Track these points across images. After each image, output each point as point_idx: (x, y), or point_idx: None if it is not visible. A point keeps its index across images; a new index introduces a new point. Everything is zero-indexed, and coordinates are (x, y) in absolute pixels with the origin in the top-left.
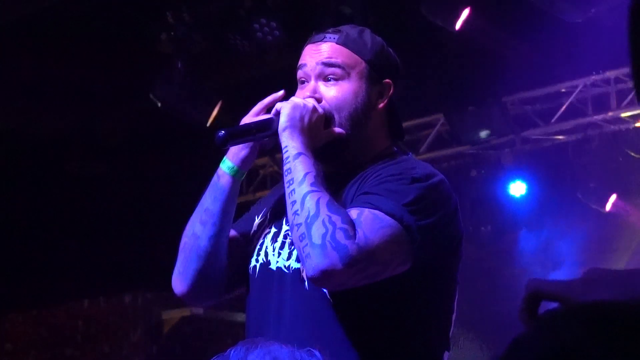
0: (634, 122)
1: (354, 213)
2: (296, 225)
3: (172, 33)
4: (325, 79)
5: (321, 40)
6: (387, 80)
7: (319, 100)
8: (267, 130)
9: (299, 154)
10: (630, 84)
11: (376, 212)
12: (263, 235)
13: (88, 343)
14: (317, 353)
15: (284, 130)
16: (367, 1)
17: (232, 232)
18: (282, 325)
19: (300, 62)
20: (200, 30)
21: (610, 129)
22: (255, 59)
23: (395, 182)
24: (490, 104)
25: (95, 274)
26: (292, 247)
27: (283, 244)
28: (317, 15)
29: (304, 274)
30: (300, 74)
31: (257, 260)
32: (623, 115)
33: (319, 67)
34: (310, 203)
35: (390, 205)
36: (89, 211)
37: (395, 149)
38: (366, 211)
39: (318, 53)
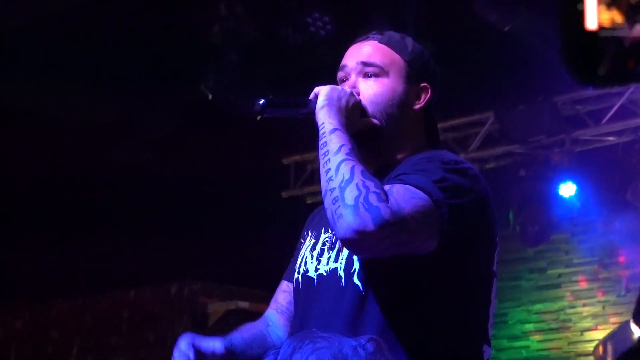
0: None
1: (386, 187)
2: (329, 190)
3: (224, 24)
4: (365, 75)
5: (364, 40)
6: (424, 83)
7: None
8: (305, 108)
9: (335, 129)
10: None
11: (407, 185)
12: (304, 249)
13: (133, 332)
14: (361, 352)
15: (321, 108)
16: None
17: (287, 286)
18: (319, 322)
19: (341, 63)
20: (252, 22)
21: None
22: (306, 52)
23: (425, 163)
24: (541, 103)
25: (142, 263)
26: (330, 252)
27: (322, 251)
28: (369, 11)
29: (341, 272)
30: (341, 74)
31: (298, 272)
32: None
33: (359, 66)
34: (344, 169)
35: (420, 180)
36: (136, 200)
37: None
38: (397, 185)
39: (359, 52)
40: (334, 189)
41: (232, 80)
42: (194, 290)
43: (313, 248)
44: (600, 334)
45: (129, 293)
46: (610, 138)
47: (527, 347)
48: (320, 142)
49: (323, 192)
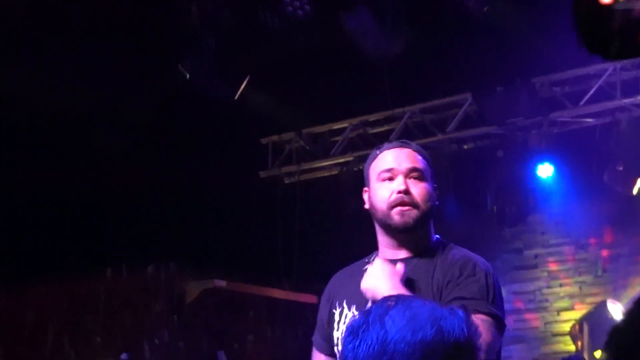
0: None
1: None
2: None
3: (202, 8)
4: (412, 177)
5: (401, 146)
6: (435, 184)
7: (408, 192)
8: None
9: None
10: None
11: (484, 317)
12: (342, 322)
13: (110, 314)
14: (460, 312)
15: None
16: None
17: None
18: None
19: (387, 166)
20: (230, 5)
21: (638, 112)
22: (284, 35)
23: (475, 284)
24: (518, 85)
25: (118, 244)
26: None
27: None
28: None
29: None
30: (386, 174)
31: (337, 345)
32: None
33: (407, 170)
34: None
35: (485, 307)
36: (112, 183)
37: (439, 238)
38: (479, 319)
39: (406, 158)
40: None
41: (210, 62)
42: (170, 270)
43: None
44: (576, 314)
45: (106, 274)
46: (588, 120)
47: None
48: None
49: None
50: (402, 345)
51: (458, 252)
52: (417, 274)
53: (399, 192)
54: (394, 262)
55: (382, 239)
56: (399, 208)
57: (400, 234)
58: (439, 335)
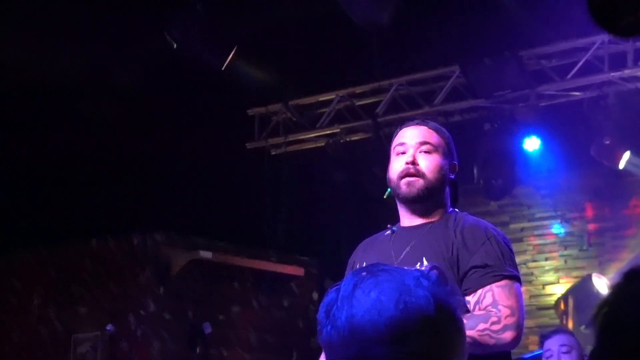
0: None
1: (489, 297)
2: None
3: None
4: (422, 151)
5: (416, 124)
6: (455, 161)
7: (414, 163)
8: None
9: None
10: None
11: (502, 282)
12: None
13: (95, 282)
14: (425, 282)
15: None
16: None
17: None
18: None
19: (400, 140)
20: None
21: (626, 87)
22: (272, 5)
23: (489, 250)
24: (506, 57)
25: (105, 213)
26: None
27: None
28: None
29: None
30: (400, 148)
31: None
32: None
33: (418, 144)
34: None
35: (504, 270)
36: (100, 151)
37: (454, 209)
38: (494, 287)
39: (417, 133)
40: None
41: (198, 30)
42: (156, 240)
43: None
44: (562, 288)
45: (92, 243)
46: (576, 93)
47: None
48: None
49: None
50: (369, 329)
51: (469, 218)
52: (427, 240)
53: (407, 163)
54: (406, 229)
55: (399, 207)
56: (406, 179)
57: (411, 204)
58: (405, 313)
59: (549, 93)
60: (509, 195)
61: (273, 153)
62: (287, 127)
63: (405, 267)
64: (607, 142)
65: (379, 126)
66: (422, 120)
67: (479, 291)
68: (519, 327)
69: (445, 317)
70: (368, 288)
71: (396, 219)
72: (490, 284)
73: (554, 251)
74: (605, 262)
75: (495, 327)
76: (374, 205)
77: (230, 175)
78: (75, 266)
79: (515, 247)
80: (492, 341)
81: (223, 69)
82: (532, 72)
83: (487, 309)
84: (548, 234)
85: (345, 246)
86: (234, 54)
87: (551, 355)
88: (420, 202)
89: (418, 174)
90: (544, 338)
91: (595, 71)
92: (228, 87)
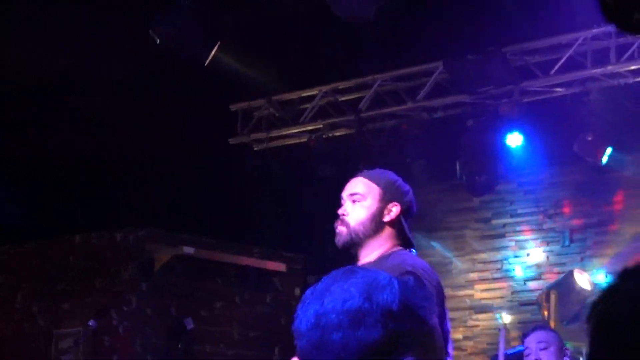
0: (634, 77)
1: None
2: None
3: None
4: (353, 201)
5: (356, 176)
6: (394, 202)
7: (344, 215)
8: None
9: None
10: (631, 39)
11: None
12: None
13: (79, 278)
14: (396, 282)
15: None
16: None
17: None
18: None
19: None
20: None
21: (609, 83)
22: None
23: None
24: (490, 53)
25: (89, 209)
26: None
27: None
28: None
29: None
30: (342, 198)
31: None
32: (622, 69)
33: (348, 196)
34: None
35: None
36: (84, 147)
37: (400, 249)
38: None
39: (349, 185)
40: None
41: (181, 26)
42: (140, 236)
43: None
44: (543, 284)
45: (75, 239)
46: (559, 89)
47: (470, 295)
48: None
49: None
50: (332, 316)
51: (398, 259)
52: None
53: (338, 215)
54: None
55: None
56: (337, 230)
57: (345, 250)
58: (367, 303)
59: (533, 89)
60: (491, 191)
61: (256, 148)
62: (270, 123)
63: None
64: (590, 139)
65: (363, 122)
66: (364, 170)
67: None
68: None
69: (407, 315)
70: (343, 283)
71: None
72: None
73: (536, 247)
74: (587, 258)
75: None
76: None
77: (214, 171)
78: (59, 262)
79: (497, 243)
80: None
81: (206, 64)
82: (516, 68)
83: None
84: (530, 230)
85: (329, 242)
86: (217, 49)
87: (530, 353)
88: (350, 249)
89: (343, 224)
90: (524, 336)
91: (579, 67)
92: (211, 83)
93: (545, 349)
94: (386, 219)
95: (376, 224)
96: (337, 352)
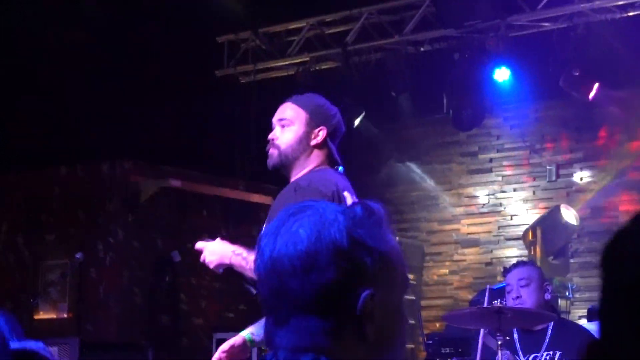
0: (620, 12)
1: None
2: None
3: None
4: (282, 126)
5: (284, 102)
6: (321, 127)
7: (273, 139)
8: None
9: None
10: None
11: None
12: None
13: (64, 210)
14: (341, 218)
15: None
16: None
17: None
18: None
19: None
20: None
21: (596, 18)
22: None
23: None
24: None
25: (74, 141)
26: None
27: None
28: None
29: None
30: (272, 123)
31: None
32: (609, 4)
33: (277, 121)
34: None
35: None
36: (69, 78)
37: (324, 168)
38: None
39: (279, 110)
40: None
41: None
42: (125, 168)
43: None
44: (529, 219)
45: (60, 171)
46: (545, 24)
47: (457, 230)
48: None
49: None
50: (286, 261)
51: (306, 177)
52: (279, 199)
53: (269, 139)
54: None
55: None
56: (269, 152)
57: (276, 171)
58: (317, 245)
59: (519, 24)
60: (478, 126)
61: (242, 81)
62: (257, 55)
63: (331, 203)
64: (577, 74)
65: (349, 55)
66: (294, 95)
67: None
68: None
69: (358, 249)
70: (292, 223)
71: (362, 150)
72: None
73: (523, 182)
74: (573, 193)
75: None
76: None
77: (200, 103)
78: (44, 193)
79: (483, 177)
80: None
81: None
82: (503, 2)
83: None
84: (516, 165)
85: None
86: None
87: (511, 290)
88: (280, 170)
89: (273, 147)
90: (505, 272)
91: (565, 2)
92: (197, 14)
93: (526, 285)
94: (313, 142)
95: (304, 147)
96: (295, 298)
